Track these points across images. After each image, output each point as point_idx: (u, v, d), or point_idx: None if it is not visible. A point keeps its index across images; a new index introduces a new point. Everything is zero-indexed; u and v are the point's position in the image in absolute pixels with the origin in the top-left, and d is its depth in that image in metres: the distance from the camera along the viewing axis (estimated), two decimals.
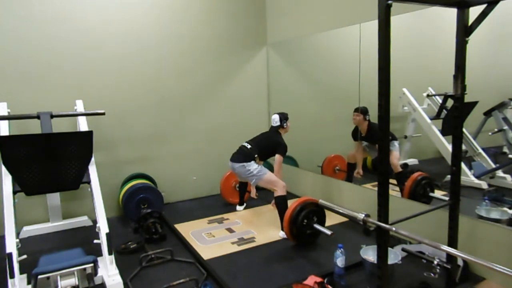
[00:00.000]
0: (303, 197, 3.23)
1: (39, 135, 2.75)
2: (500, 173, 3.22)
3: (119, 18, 4.00)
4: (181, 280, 2.59)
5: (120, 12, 3.99)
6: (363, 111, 3.77)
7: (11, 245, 2.43)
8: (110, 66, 4.00)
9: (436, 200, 3.29)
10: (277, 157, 3.64)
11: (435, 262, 2.40)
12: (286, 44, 4.67)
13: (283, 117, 3.78)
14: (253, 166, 3.55)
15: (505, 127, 3.22)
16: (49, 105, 3.53)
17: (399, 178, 3.60)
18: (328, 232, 2.98)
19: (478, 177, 3.27)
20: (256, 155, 3.62)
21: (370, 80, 3.67)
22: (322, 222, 3.23)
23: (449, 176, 2.31)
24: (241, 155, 3.63)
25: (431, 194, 3.32)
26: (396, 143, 3.71)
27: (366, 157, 4.25)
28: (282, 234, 3.40)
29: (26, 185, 2.68)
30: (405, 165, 3.87)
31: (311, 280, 2.46)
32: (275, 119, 3.78)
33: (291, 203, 3.18)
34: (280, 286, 2.55)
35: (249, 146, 3.67)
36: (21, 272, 2.53)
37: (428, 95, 3.66)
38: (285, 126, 3.77)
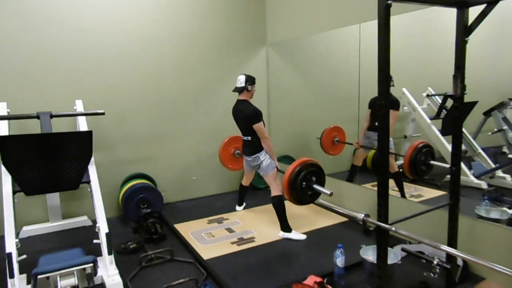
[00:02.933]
0: (300, 158, 3.05)
1: (39, 135, 2.75)
2: (499, 173, 3.22)
3: (119, 19, 3.99)
4: (181, 280, 2.59)
5: (120, 12, 3.99)
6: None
7: (10, 245, 2.43)
8: (110, 66, 4.00)
9: (437, 167, 3.23)
10: (256, 127, 3.42)
11: (435, 262, 2.39)
12: (286, 44, 4.67)
13: (249, 79, 3.50)
14: (265, 157, 3.51)
15: (505, 127, 3.23)
16: (48, 105, 3.53)
17: (396, 178, 3.59)
18: (328, 191, 2.83)
19: (477, 177, 3.27)
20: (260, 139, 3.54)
21: (370, 80, 3.68)
22: (321, 182, 3.03)
23: (448, 176, 2.31)
24: (249, 148, 3.58)
25: (431, 162, 3.26)
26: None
27: (366, 156, 4.25)
28: (282, 234, 3.40)
29: (25, 185, 2.68)
30: None
31: (311, 280, 2.46)
32: (241, 80, 3.49)
33: (289, 166, 3.02)
34: (280, 286, 2.55)
35: (249, 138, 3.55)
36: (21, 272, 2.53)
37: (427, 95, 3.66)
38: (249, 89, 3.50)
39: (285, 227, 3.41)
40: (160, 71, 4.30)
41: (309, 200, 3.02)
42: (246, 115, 3.46)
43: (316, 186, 2.96)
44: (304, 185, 2.92)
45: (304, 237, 3.37)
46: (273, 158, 3.55)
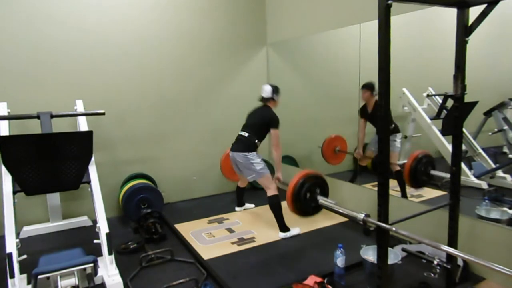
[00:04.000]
0: (304, 170, 3.04)
1: (39, 135, 2.75)
2: (500, 173, 3.22)
3: (119, 19, 4.00)
4: (181, 280, 2.59)
5: (120, 12, 3.99)
6: (370, 86, 3.68)
7: (11, 245, 2.43)
8: (110, 66, 4.00)
9: (437, 177, 3.22)
10: (273, 132, 3.50)
11: (435, 262, 2.40)
12: (286, 44, 4.67)
13: (275, 90, 3.58)
14: (257, 160, 3.47)
15: (505, 127, 3.22)
16: (49, 105, 3.53)
17: (398, 177, 3.59)
18: (332, 202, 2.82)
19: (478, 177, 3.27)
20: (256, 141, 3.53)
21: (370, 80, 3.69)
22: (325, 194, 3.03)
23: (449, 176, 2.31)
24: (241, 144, 3.54)
25: (432, 172, 3.26)
26: (398, 137, 3.67)
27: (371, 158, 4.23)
28: (281, 235, 3.40)
29: (26, 185, 2.68)
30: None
31: (311, 280, 2.46)
32: (267, 90, 3.57)
33: (293, 178, 2.98)
34: (280, 286, 2.55)
35: (246, 134, 3.56)
36: (21, 272, 2.53)
37: (428, 95, 3.66)
38: (275, 99, 3.60)
39: (283, 227, 3.42)
40: (160, 71, 4.30)
41: (313, 212, 3.08)
42: (265, 116, 3.53)
43: (320, 198, 3.00)
44: (308, 196, 2.97)
45: (298, 229, 3.46)
46: (278, 168, 3.58)
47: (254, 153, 3.50)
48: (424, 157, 3.19)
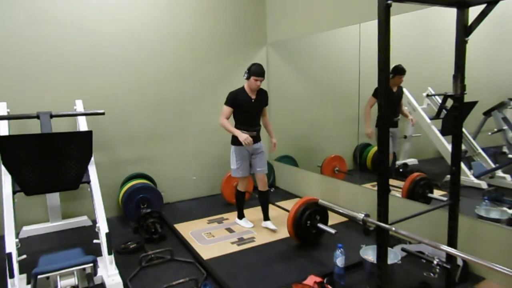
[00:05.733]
0: (304, 197, 3.23)
1: (39, 135, 2.74)
2: (499, 173, 3.23)
3: (119, 19, 3.99)
4: (181, 280, 2.59)
5: (120, 12, 3.99)
6: (404, 71, 3.44)
7: (10, 245, 2.43)
8: (110, 66, 4.00)
9: (435, 200, 3.28)
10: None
11: (435, 262, 2.40)
12: (286, 44, 4.67)
13: (248, 69, 3.38)
14: (233, 159, 3.51)
15: (505, 127, 3.23)
16: (48, 105, 3.53)
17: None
18: (332, 231, 2.98)
19: (477, 177, 3.27)
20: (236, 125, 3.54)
21: (370, 80, 3.68)
22: (325, 221, 3.23)
23: (448, 176, 2.31)
24: None
25: (429, 195, 3.31)
26: None
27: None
28: (237, 221, 3.75)
29: (25, 185, 2.68)
30: (405, 165, 3.87)
31: (311, 280, 2.46)
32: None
33: (293, 205, 3.17)
34: (280, 286, 2.55)
35: None
36: (21, 272, 2.54)
37: (428, 95, 3.66)
38: (245, 78, 3.42)
39: (239, 215, 3.77)
40: (160, 71, 4.30)
41: (312, 239, 3.20)
42: None
43: (320, 225, 3.12)
44: (309, 223, 3.11)
45: (251, 225, 3.67)
46: (234, 133, 3.44)
47: (233, 147, 3.51)
48: (422, 180, 3.23)
